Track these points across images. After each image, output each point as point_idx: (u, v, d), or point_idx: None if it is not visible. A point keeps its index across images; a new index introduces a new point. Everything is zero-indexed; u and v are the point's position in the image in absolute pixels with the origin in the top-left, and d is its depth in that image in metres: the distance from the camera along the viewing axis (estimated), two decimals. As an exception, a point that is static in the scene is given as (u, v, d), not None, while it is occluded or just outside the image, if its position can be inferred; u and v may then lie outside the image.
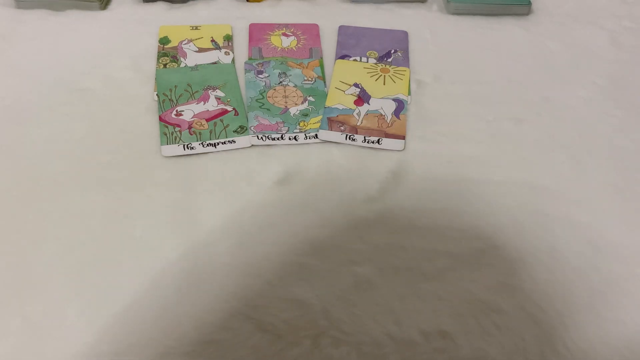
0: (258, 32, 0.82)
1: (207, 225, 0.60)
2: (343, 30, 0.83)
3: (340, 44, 0.81)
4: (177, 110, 0.70)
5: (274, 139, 0.68)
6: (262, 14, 0.84)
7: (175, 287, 0.56)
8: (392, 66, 0.78)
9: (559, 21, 0.86)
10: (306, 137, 0.69)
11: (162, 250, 0.58)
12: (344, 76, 0.76)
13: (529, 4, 0.86)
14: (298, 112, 0.71)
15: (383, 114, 0.72)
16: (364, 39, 0.82)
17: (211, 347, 0.52)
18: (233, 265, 0.57)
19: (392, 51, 0.80)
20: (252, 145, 0.68)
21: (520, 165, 0.67)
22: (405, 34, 0.83)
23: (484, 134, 0.71)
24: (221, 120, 0.69)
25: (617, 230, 0.62)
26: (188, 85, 0.73)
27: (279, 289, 0.56)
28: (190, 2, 0.85)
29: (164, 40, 0.79)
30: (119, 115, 0.70)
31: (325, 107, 0.72)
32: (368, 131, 0.69)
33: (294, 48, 0.80)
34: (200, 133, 0.68)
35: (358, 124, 0.70)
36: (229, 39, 0.80)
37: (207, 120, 0.69)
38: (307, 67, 0.77)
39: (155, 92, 0.72)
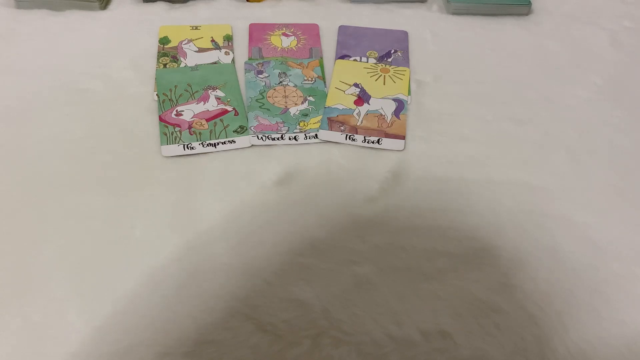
0: (258, 32, 0.82)
1: (207, 225, 0.60)
2: (343, 30, 0.83)
3: (340, 44, 0.81)
4: (177, 110, 0.70)
5: (274, 139, 0.68)
6: (262, 14, 0.84)
7: (175, 287, 0.56)
8: (392, 66, 0.78)
9: (559, 21, 0.86)
10: (306, 137, 0.69)
11: (162, 250, 0.58)
12: (344, 76, 0.76)
13: (529, 4, 0.86)
14: (298, 112, 0.71)
15: (383, 114, 0.72)
16: (364, 39, 0.82)
17: (211, 347, 0.52)
18: (233, 265, 0.57)
19: (392, 51, 0.80)
20: (252, 145, 0.68)
21: (520, 165, 0.67)
22: (405, 34, 0.83)
23: (484, 134, 0.71)
24: (221, 120, 0.69)
25: (617, 230, 0.62)
26: (188, 85, 0.73)
27: (279, 289, 0.56)
28: (190, 2, 0.85)
29: (164, 40, 0.79)
30: (119, 115, 0.70)
31: (325, 107, 0.72)
32: (368, 131, 0.69)
33: (294, 48, 0.80)
34: (200, 133, 0.68)
35: (358, 124, 0.70)
36: (229, 39, 0.80)
37: (207, 120, 0.69)
38: (307, 67, 0.77)
39: (155, 92, 0.72)
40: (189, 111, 0.70)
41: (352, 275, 0.57)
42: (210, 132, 0.68)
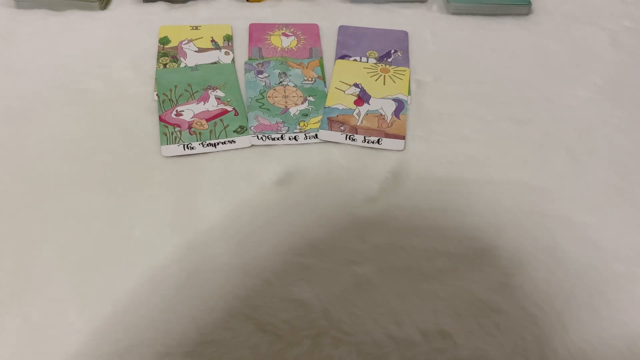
0: (258, 32, 0.82)
1: (207, 225, 0.60)
2: (343, 30, 0.83)
3: (340, 44, 0.81)
4: (177, 110, 0.70)
5: (274, 139, 0.68)
6: (262, 14, 0.84)
7: (175, 287, 0.56)
8: (392, 66, 0.78)
9: (559, 21, 0.86)
10: (306, 137, 0.69)
11: (162, 250, 0.58)
12: (344, 76, 0.76)
13: (529, 4, 0.86)
14: (298, 112, 0.71)
15: (383, 114, 0.72)
16: (364, 39, 0.82)
17: (211, 347, 0.52)
18: (233, 265, 0.57)
19: (392, 51, 0.80)
20: (252, 145, 0.68)
21: (520, 165, 0.67)
22: (405, 34, 0.83)
23: (484, 134, 0.71)
24: (221, 120, 0.69)
25: (617, 230, 0.62)
26: (188, 85, 0.73)
27: (279, 289, 0.56)
28: (190, 2, 0.85)
29: (164, 40, 0.79)
30: (119, 115, 0.70)
31: (325, 107, 0.72)
32: (368, 131, 0.69)
33: (294, 48, 0.80)
34: (200, 133, 0.68)
35: (358, 124, 0.70)
36: (229, 39, 0.80)
37: (207, 120, 0.69)
38: (307, 67, 0.77)
39: (155, 92, 0.72)
40: (189, 111, 0.70)
41: (352, 275, 0.57)
42: (210, 132, 0.68)
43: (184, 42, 0.79)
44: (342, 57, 0.79)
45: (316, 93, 0.74)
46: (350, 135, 0.69)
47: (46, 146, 0.66)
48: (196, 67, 0.76)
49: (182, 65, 0.76)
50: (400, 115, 0.72)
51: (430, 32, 0.83)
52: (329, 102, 0.72)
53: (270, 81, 0.75)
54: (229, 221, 0.61)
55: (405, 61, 0.79)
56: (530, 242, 0.61)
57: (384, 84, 0.75)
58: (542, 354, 0.53)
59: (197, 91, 0.72)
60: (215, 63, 0.77)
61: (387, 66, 0.78)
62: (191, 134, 0.68)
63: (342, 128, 0.70)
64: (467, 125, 0.71)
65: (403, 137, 0.69)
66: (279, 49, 0.80)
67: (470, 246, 0.60)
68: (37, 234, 0.59)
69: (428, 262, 0.59)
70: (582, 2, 0.89)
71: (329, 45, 0.81)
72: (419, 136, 0.70)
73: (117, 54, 0.77)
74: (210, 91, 0.72)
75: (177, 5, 0.85)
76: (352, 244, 0.60)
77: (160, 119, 0.69)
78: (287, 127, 0.69)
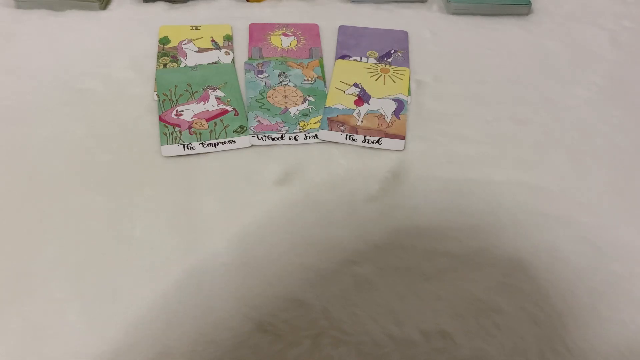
0: (258, 32, 0.82)
1: (207, 226, 0.60)
2: (343, 30, 0.83)
3: (340, 44, 0.81)
4: (177, 110, 0.70)
5: (274, 139, 0.68)
6: (262, 14, 0.84)
7: (175, 287, 0.56)
8: (392, 66, 0.78)
9: (559, 21, 0.86)
10: (306, 137, 0.69)
11: (162, 250, 0.58)
12: (344, 76, 0.76)
13: (529, 4, 0.86)
14: (298, 112, 0.71)
15: (383, 114, 0.72)
16: (364, 39, 0.82)
17: (211, 347, 0.52)
18: (233, 265, 0.57)
19: (392, 51, 0.80)
20: (252, 145, 0.68)
21: (520, 165, 0.67)
22: (405, 34, 0.83)
23: (484, 134, 0.71)
24: (221, 120, 0.70)
25: (617, 230, 0.62)
26: (188, 85, 0.73)
27: (279, 289, 0.56)
28: (190, 2, 0.85)
29: (164, 40, 0.79)
30: (119, 115, 0.70)
31: (325, 107, 0.72)
32: (368, 131, 0.69)
33: (294, 48, 0.80)
34: (200, 133, 0.68)
35: (358, 124, 0.70)
36: (229, 39, 0.80)
37: (207, 120, 0.69)
38: (307, 67, 0.77)
39: (155, 92, 0.72)
40: (189, 111, 0.70)
41: (352, 275, 0.57)
42: (210, 132, 0.68)
43: (184, 42, 0.79)
44: (342, 57, 0.79)
45: (316, 93, 0.74)
46: (350, 135, 0.69)
47: (46, 146, 0.66)
48: (196, 67, 0.76)
49: (182, 65, 0.76)
50: (400, 115, 0.72)
51: (430, 32, 0.83)
52: (329, 102, 0.72)
53: (270, 81, 0.75)
54: (229, 221, 0.61)
55: (405, 61, 0.79)
56: (530, 242, 0.61)
57: (384, 84, 0.75)
58: (542, 354, 0.53)
59: (197, 91, 0.72)
60: (215, 63, 0.77)
61: (387, 66, 0.78)
62: (191, 134, 0.68)
63: (342, 128, 0.70)
64: (467, 125, 0.71)
65: (403, 137, 0.69)
66: (279, 49, 0.80)
67: (470, 246, 0.60)
68: (37, 234, 0.59)
69: (428, 262, 0.59)
70: (582, 2, 0.89)
71: (329, 45, 0.81)
72: (419, 136, 0.70)
73: (117, 54, 0.77)
74: (210, 91, 0.73)
75: (177, 5, 0.85)
76: (352, 244, 0.60)
77: (160, 119, 0.69)
78: (287, 127, 0.69)
